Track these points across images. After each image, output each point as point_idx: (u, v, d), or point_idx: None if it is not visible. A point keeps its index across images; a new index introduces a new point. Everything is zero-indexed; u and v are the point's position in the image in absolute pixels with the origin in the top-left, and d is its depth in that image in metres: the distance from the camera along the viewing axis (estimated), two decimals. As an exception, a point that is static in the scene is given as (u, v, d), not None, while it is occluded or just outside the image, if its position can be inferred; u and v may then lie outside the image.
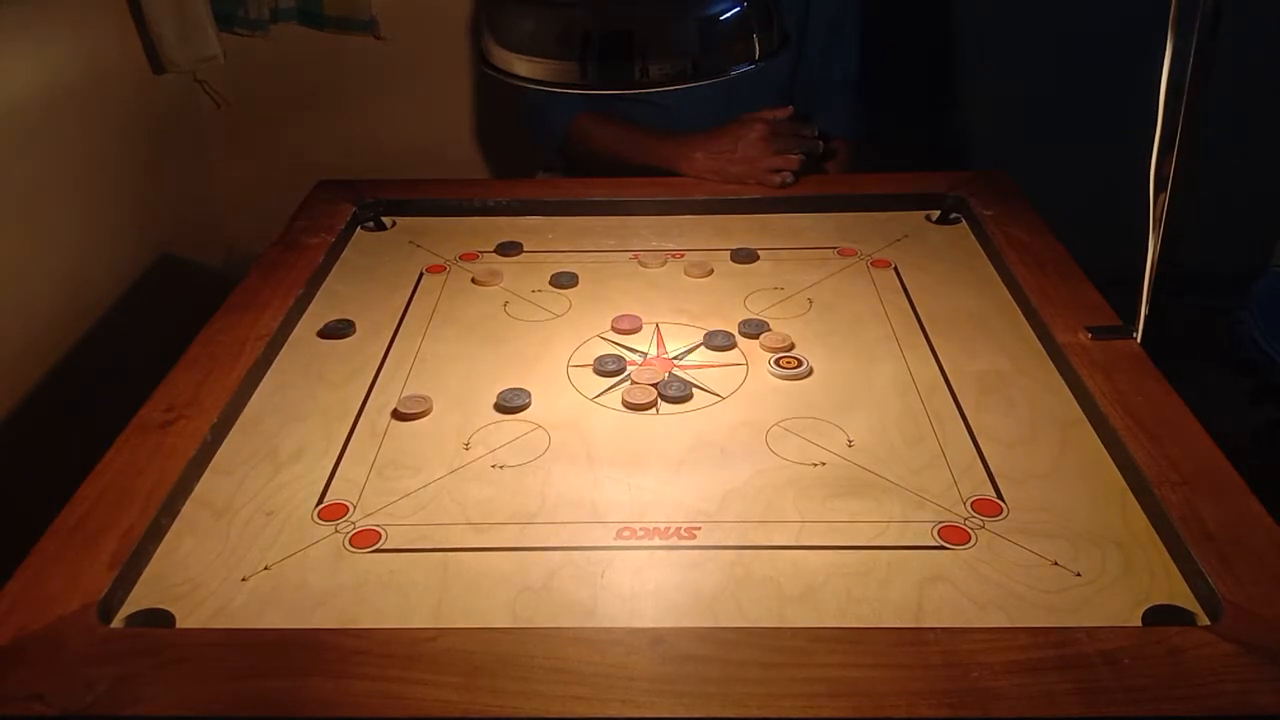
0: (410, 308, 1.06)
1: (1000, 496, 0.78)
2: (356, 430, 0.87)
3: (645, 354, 0.98)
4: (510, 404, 0.90)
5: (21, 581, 0.69)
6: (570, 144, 1.45)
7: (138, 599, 0.70)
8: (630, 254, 1.17)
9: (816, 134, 1.32)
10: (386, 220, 1.25)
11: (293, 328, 1.02)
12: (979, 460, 0.82)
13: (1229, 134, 1.43)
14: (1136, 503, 0.77)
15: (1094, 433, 0.85)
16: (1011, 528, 0.75)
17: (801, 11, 1.40)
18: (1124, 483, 0.79)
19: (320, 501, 0.79)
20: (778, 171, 1.26)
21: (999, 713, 0.59)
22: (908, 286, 1.08)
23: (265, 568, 0.72)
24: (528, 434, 0.87)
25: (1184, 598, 0.68)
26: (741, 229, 1.21)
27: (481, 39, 0.78)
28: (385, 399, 0.91)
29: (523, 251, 1.18)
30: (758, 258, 1.15)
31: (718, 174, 1.29)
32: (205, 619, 0.68)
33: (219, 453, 0.84)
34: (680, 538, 0.75)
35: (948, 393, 0.91)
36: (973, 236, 1.19)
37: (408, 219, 1.25)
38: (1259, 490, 0.75)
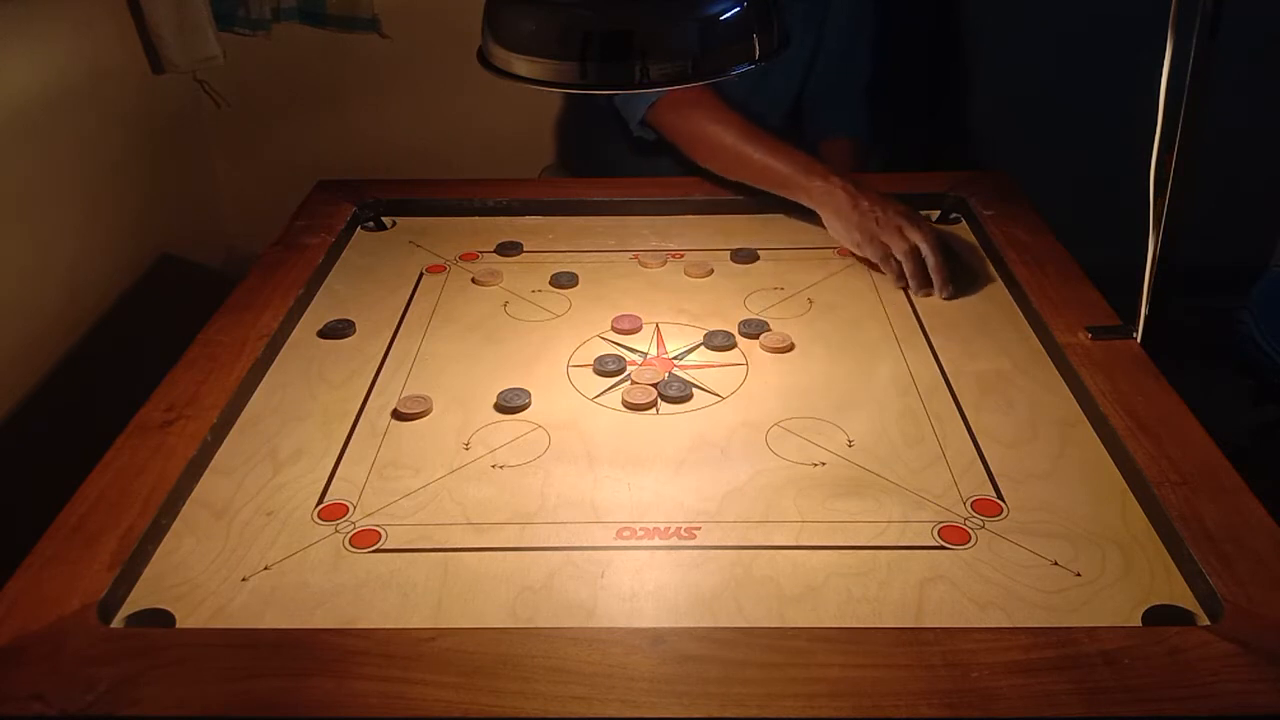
0: (410, 308, 1.06)
1: (1000, 496, 0.78)
2: (356, 430, 0.87)
3: (645, 354, 0.98)
4: (510, 404, 0.90)
5: (21, 581, 0.69)
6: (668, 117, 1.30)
7: (137, 599, 0.70)
8: (630, 254, 1.17)
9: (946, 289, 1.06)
10: (386, 220, 1.25)
11: (293, 328, 1.02)
12: (979, 460, 0.82)
13: (1229, 134, 1.43)
14: (1136, 503, 0.77)
15: (1094, 433, 0.85)
16: (1011, 528, 0.75)
17: (822, 8, 1.38)
18: (1124, 483, 0.79)
19: (320, 501, 0.79)
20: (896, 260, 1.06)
21: (999, 713, 0.59)
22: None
23: (265, 568, 0.72)
24: (528, 434, 0.87)
25: (1184, 598, 0.68)
26: (741, 229, 1.21)
27: (481, 38, 0.78)
28: (385, 399, 0.91)
29: (523, 251, 1.18)
30: (758, 258, 1.15)
31: (855, 209, 1.10)
32: (205, 619, 0.68)
33: (219, 453, 0.84)
34: (680, 538, 0.75)
35: (948, 393, 0.91)
36: (973, 236, 1.19)
37: (408, 219, 1.25)
38: (1259, 490, 0.75)
